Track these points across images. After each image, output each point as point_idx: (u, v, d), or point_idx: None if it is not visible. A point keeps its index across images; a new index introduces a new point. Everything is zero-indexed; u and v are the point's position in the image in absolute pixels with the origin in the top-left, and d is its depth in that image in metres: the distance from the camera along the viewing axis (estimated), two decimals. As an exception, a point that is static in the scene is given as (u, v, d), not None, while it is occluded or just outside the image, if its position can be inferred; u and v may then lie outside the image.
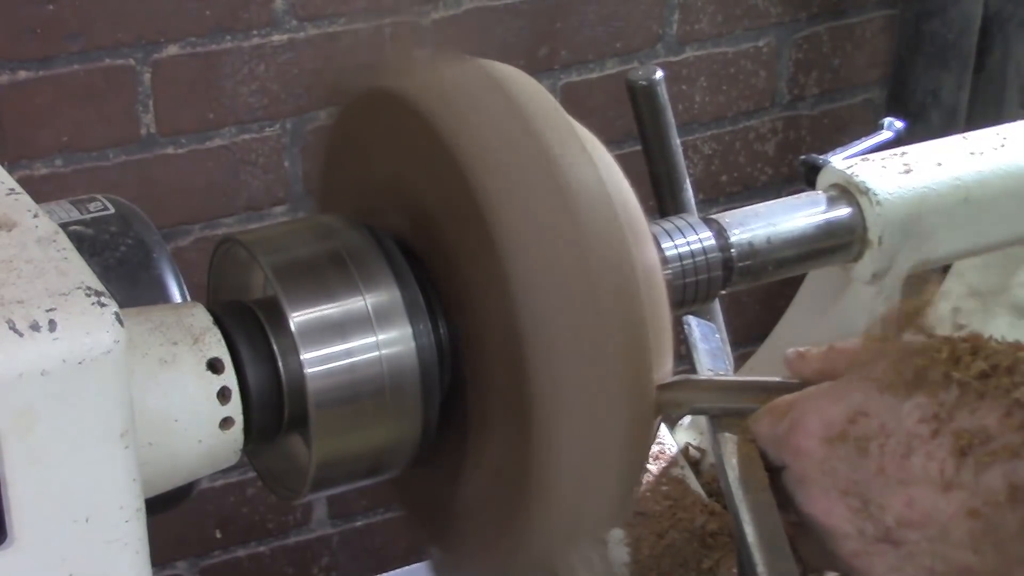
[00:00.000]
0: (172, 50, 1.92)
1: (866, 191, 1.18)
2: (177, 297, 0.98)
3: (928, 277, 0.99)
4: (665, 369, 0.91)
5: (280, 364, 0.88)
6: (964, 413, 0.80)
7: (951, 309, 0.89)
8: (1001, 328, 1.34)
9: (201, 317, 0.88)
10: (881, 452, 0.82)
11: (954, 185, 1.21)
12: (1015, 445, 0.78)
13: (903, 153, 1.24)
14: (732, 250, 1.12)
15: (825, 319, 1.26)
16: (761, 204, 1.17)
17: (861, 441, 0.83)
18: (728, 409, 0.91)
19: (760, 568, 0.84)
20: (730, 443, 0.89)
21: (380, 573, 1.97)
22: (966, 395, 0.80)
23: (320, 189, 1.05)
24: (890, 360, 0.84)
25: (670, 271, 1.07)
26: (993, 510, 0.78)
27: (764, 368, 1.32)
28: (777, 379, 0.91)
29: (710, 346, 1.07)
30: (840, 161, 1.23)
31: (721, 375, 1.01)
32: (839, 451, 0.83)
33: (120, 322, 0.76)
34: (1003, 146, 1.25)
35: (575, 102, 2.15)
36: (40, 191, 1.02)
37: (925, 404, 0.81)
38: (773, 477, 0.88)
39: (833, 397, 0.85)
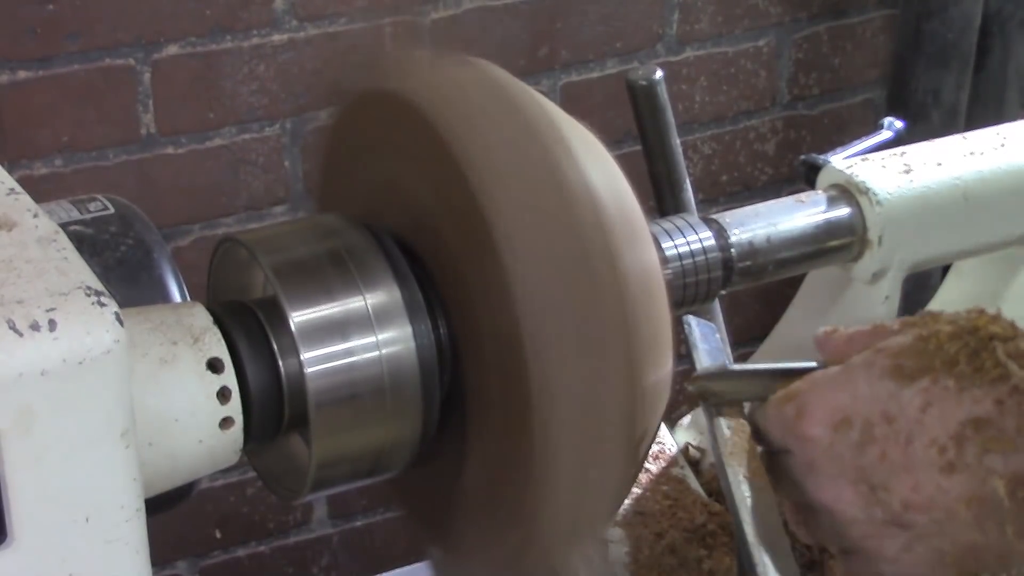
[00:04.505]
0: (172, 50, 1.92)
1: (866, 191, 1.18)
2: (177, 297, 0.98)
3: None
4: (666, 368, 0.91)
5: (280, 364, 0.88)
6: (964, 399, 0.81)
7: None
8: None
9: (201, 317, 0.88)
10: (885, 438, 0.83)
11: (954, 185, 1.22)
12: (1011, 432, 0.80)
13: (903, 153, 1.24)
14: (732, 250, 1.12)
15: (825, 319, 1.26)
16: (761, 204, 1.17)
17: (866, 427, 0.84)
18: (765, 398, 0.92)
19: (760, 568, 0.84)
20: (725, 427, 0.90)
21: (380, 573, 1.96)
22: (963, 381, 0.82)
23: (320, 189, 1.05)
24: (894, 346, 0.85)
25: (670, 271, 1.08)
26: (993, 493, 0.80)
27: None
28: (813, 363, 0.91)
29: (710, 346, 1.07)
30: (840, 161, 1.23)
31: (757, 365, 1.02)
32: (845, 438, 0.85)
33: (120, 322, 0.76)
34: (1003, 146, 1.25)
35: (575, 102, 2.15)
36: (40, 191, 1.01)
37: (926, 390, 0.83)
38: (773, 460, 0.89)
39: (837, 384, 0.86)
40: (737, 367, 0.98)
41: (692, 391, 0.92)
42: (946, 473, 0.81)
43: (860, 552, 0.87)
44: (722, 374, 0.95)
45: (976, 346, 0.83)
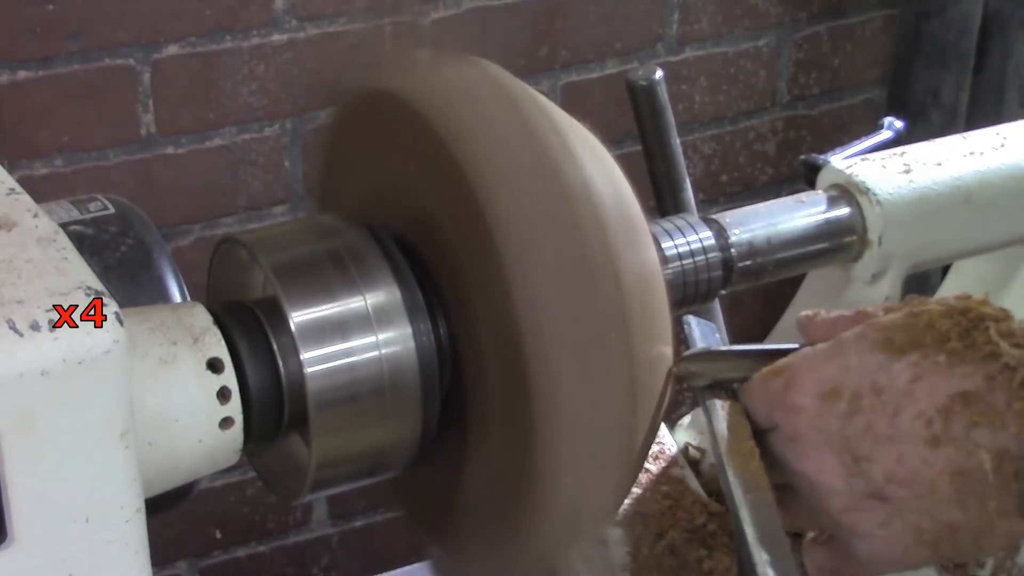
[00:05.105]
0: (172, 50, 1.92)
1: (866, 191, 1.18)
2: (177, 297, 0.98)
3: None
4: (666, 368, 0.91)
5: (280, 364, 0.88)
6: (954, 374, 0.82)
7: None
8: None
9: (201, 317, 0.88)
10: (872, 409, 0.84)
11: (954, 185, 1.21)
12: (1000, 407, 0.80)
13: (903, 153, 1.24)
14: (732, 250, 1.12)
15: (825, 319, 1.25)
16: (761, 204, 1.17)
17: (853, 398, 0.84)
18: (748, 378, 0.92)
19: (760, 568, 0.84)
20: (719, 408, 0.90)
21: (380, 573, 1.96)
22: (953, 356, 0.82)
23: (320, 189, 1.05)
24: (885, 321, 0.86)
25: (670, 271, 1.08)
26: (978, 468, 0.80)
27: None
28: (795, 345, 0.92)
29: (710, 346, 1.07)
30: (840, 161, 1.23)
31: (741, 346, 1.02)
32: (832, 408, 0.85)
33: (120, 322, 0.76)
34: (1003, 146, 1.25)
35: (575, 102, 2.15)
36: (40, 191, 1.01)
37: (916, 364, 0.83)
38: (760, 440, 0.89)
39: (827, 356, 0.87)
40: (721, 348, 0.99)
41: (676, 373, 0.92)
42: (931, 446, 0.82)
43: (836, 529, 0.87)
44: (706, 355, 0.95)
45: (968, 325, 0.83)
